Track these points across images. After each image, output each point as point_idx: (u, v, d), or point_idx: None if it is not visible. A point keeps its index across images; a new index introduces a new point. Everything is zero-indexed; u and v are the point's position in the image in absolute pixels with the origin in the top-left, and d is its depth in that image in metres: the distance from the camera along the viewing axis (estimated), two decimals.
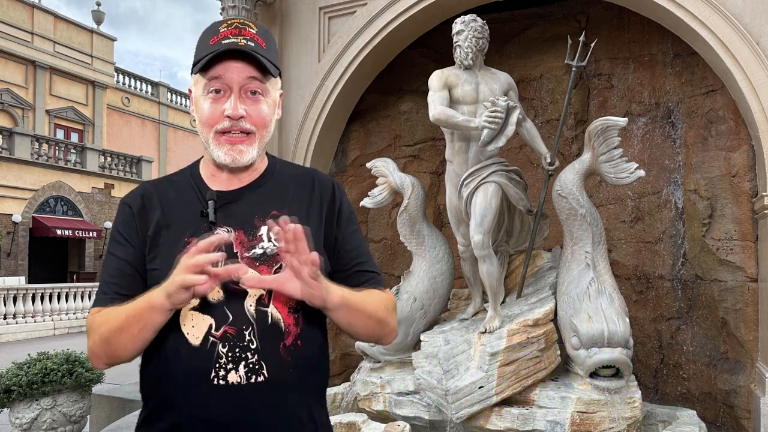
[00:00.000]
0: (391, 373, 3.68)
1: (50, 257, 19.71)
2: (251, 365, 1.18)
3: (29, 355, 4.46)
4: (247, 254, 1.25)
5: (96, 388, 4.80)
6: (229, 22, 1.28)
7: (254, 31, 1.28)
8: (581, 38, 3.38)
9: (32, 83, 20.98)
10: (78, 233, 18.83)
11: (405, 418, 3.41)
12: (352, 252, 1.37)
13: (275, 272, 1.24)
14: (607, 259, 3.47)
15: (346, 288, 1.26)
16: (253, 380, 1.18)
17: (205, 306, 1.22)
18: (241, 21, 1.29)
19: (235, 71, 1.25)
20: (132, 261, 1.28)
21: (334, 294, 1.20)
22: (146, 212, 1.31)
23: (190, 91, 1.36)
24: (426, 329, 3.75)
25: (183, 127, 27.42)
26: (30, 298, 13.84)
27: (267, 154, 1.43)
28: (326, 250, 1.33)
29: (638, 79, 4.57)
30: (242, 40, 1.24)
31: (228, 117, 1.26)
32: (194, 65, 1.28)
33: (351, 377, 3.95)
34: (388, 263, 5.28)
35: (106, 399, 4.96)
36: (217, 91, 1.26)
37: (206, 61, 1.24)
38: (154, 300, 1.14)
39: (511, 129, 3.36)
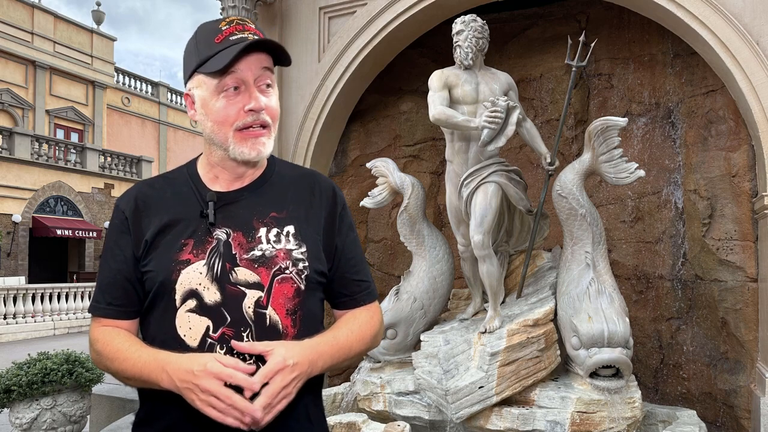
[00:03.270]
0: (391, 373, 3.68)
1: (50, 257, 19.72)
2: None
3: (29, 355, 4.45)
4: (245, 256, 1.25)
5: (96, 388, 4.81)
6: (229, 20, 1.28)
7: (254, 27, 1.29)
8: (581, 38, 3.37)
9: (32, 83, 20.98)
10: (78, 233, 18.84)
11: (405, 418, 3.41)
12: (351, 261, 1.39)
13: (273, 275, 1.24)
14: (607, 259, 3.46)
15: (328, 333, 1.29)
16: None
17: (202, 308, 1.22)
18: (240, 18, 1.29)
19: (248, 64, 1.24)
20: (124, 270, 1.28)
21: (318, 367, 1.22)
22: (141, 216, 1.29)
23: (186, 95, 1.32)
24: (426, 329, 3.75)
25: (183, 127, 27.43)
26: (30, 298, 13.83)
27: None
28: (325, 255, 1.34)
29: (638, 79, 4.57)
30: (249, 35, 1.25)
31: (251, 111, 1.25)
32: (200, 65, 1.25)
33: (351, 377, 3.95)
34: (388, 263, 5.28)
35: (106, 399, 4.96)
36: (235, 88, 1.25)
37: (232, 58, 1.20)
38: (163, 381, 1.15)
39: (511, 129, 3.36)
